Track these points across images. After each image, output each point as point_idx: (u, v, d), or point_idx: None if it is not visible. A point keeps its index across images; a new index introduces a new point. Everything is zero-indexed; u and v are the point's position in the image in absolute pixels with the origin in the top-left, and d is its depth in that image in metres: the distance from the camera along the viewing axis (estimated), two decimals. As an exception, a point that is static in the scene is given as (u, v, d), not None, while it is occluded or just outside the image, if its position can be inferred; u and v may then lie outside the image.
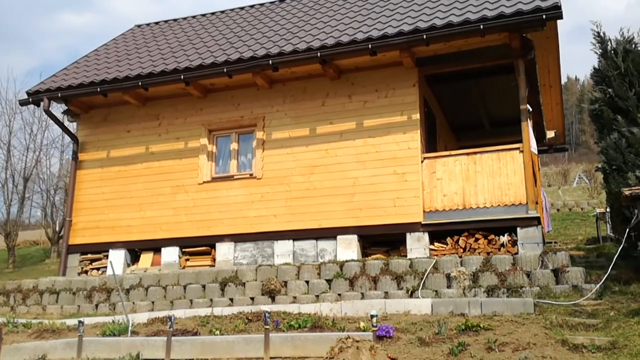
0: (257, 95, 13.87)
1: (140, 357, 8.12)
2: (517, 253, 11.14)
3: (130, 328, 9.53)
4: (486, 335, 7.81)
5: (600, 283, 9.66)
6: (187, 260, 13.69)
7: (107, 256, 14.27)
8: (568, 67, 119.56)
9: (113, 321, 10.18)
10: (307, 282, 11.58)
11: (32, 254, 29.46)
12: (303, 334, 8.26)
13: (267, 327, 8.00)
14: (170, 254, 13.75)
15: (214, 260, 13.46)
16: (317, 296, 11.28)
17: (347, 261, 11.65)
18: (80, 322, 8.86)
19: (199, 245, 13.62)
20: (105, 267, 14.18)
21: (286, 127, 13.49)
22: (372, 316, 7.73)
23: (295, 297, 11.37)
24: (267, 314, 8.07)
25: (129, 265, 14.21)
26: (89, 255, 14.56)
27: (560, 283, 10.08)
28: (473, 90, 14.98)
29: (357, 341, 6.29)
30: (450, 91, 14.76)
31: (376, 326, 7.74)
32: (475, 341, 7.61)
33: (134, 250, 14.29)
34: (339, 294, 11.12)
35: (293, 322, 9.19)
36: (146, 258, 14.13)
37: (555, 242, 16.80)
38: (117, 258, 14.12)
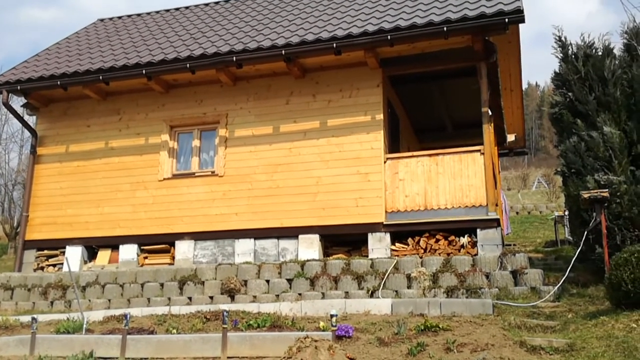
0: (221, 92, 13.74)
1: (93, 355, 7.93)
2: (476, 254, 11.22)
3: (85, 326, 9.33)
4: (445, 335, 7.82)
5: (558, 285, 9.77)
6: (145, 258, 13.48)
7: (64, 252, 13.98)
8: (529, 74, 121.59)
9: (68, 318, 9.94)
10: (267, 281, 11.50)
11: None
12: (261, 334, 8.18)
13: (225, 326, 7.89)
14: (128, 252, 13.53)
15: (173, 258, 13.28)
16: (278, 296, 11.20)
17: (308, 261, 11.60)
18: (33, 318, 8.63)
19: (158, 243, 13.43)
20: (62, 263, 13.90)
21: (250, 125, 13.38)
22: (331, 316, 7.68)
23: (255, 297, 11.28)
24: (225, 313, 7.96)
25: (86, 262, 13.94)
26: (46, 252, 14.24)
27: (518, 285, 10.17)
28: (436, 93, 15.07)
29: (316, 341, 6.24)
30: (413, 93, 14.82)
31: (335, 326, 7.69)
32: (434, 342, 7.62)
33: (92, 247, 14.02)
34: (300, 294, 11.06)
35: (252, 322, 9.10)
36: (104, 255, 13.88)
37: (514, 245, 16.99)
38: (74, 255, 13.83)
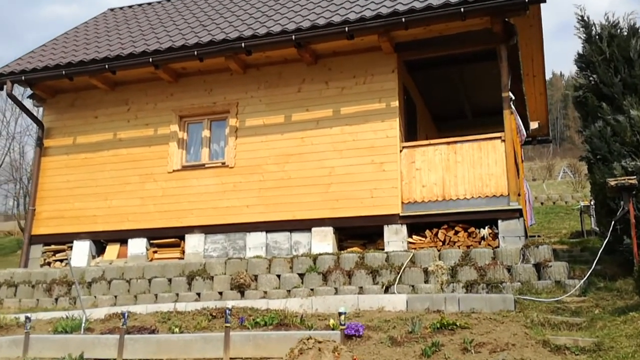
0: (231, 81, 13.27)
1: (83, 357, 7.50)
2: (498, 246, 10.65)
3: (83, 325, 8.93)
4: (462, 334, 7.29)
5: (585, 279, 9.17)
6: (155, 252, 13.08)
7: (71, 247, 13.64)
8: (553, 63, 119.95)
9: (67, 317, 9.56)
10: (278, 276, 11.03)
11: (5, 245, 28.63)
12: (266, 333, 7.71)
13: (228, 325, 7.44)
14: (137, 246, 13.14)
15: (183, 252, 12.87)
16: (289, 291, 10.72)
17: (320, 254, 11.10)
18: (27, 318, 8.26)
19: (167, 237, 13.03)
20: (70, 258, 13.53)
21: (260, 114, 12.90)
22: (340, 314, 7.18)
23: (265, 292, 10.81)
24: (227, 311, 7.50)
25: (94, 257, 13.58)
26: (53, 247, 13.91)
27: (542, 278, 9.58)
28: (454, 78, 14.42)
29: (320, 342, 5.75)
30: (431, 78, 14.20)
31: (344, 325, 7.19)
32: (451, 341, 7.10)
33: (100, 242, 13.65)
34: (312, 289, 10.58)
35: (259, 319, 8.65)
36: (112, 250, 13.51)
37: (538, 236, 16.31)
38: (81, 249, 13.49)
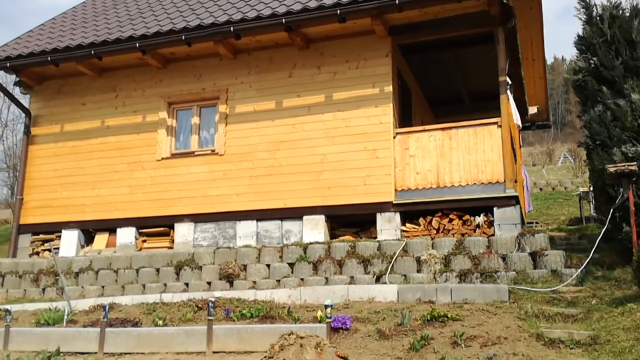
0: (221, 66, 12.94)
1: (60, 352, 7.24)
2: (493, 234, 10.37)
3: (66, 317, 8.70)
4: (453, 326, 7.04)
5: (582, 268, 8.90)
6: (144, 242, 12.80)
7: (59, 237, 13.36)
8: (555, 48, 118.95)
9: (50, 308, 9.31)
10: (268, 265, 10.78)
11: (1, 233, 28.42)
12: (250, 327, 7.46)
13: (211, 318, 7.20)
14: (126, 235, 12.86)
15: (172, 241, 12.57)
16: (279, 281, 10.48)
17: (311, 243, 10.83)
18: (7, 311, 7.99)
19: (156, 226, 12.74)
20: (58, 248, 13.27)
21: (251, 100, 12.58)
22: (326, 306, 6.92)
23: (254, 282, 10.56)
24: (210, 304, 7.26)
25: (83, 247, 13.31)
26: (41, 236, 13.63)
27: (538, 267, 9.31)
28: (451, 62, 14.05)
29: (302, 337, 5.47)
30: (426, 63, 13.85)
31: (330, 317, 6.94)
32: (441, 334, 6.84)
33: (88, 231, 13.38)
34: (302, 279, 10.32)
35: (245, 311, 8.42)
36: (101, 239, 13.24)
37: (536, 223, 16.10)
38: (70, 239, 13.22)
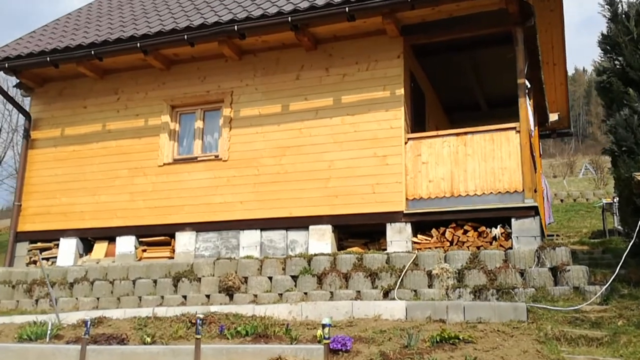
0: (225, 68, 12.39)
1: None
2: (510, 247, 9.68)
3: (49, 333, 8.11)
4: (465, 350, 6.37)
5: (607, 285, 8.18)
6: (144, 251, 12.24)
7: (57, 245, 12.85)
8: (576, 59, 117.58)
9: (35, 322, 8.75)
10: (270, 278, 10.16)
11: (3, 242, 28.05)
12: (241, 346, 6.84)
13: (199, 336, 6.58)
14: (125, 244, 12.31)
15: (173, 251, 12.00)
16: (281, 295, 9.85)
17: (315, 255, 10.20)
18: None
19: (157, 235, 12.18)
20: (56, 257, 12.77)
21: (256, 103, 12.01)
22: (324, 326, 6.27)
23: (255, 296, 9.95)
24: (199, 321, 6.63)
25: (81, 256, 12.77)
26: (39, 244, 13.10)
27: (559, 284, 8.60)
28: (466, 65, 13.37)
29: (290, 363, 4.83)
30: (441, 65, 13.17)
31: (329, 338, 6.29)
32: (451, 358, 6.16)
33: (87, 239, 12.85)
34: (305, 293, 9.69)
35: (240, 328, 7.80)
36: (100, 248, 12.70)
37: (557, 235, 15.35)
38: (68, 247, 12.69)
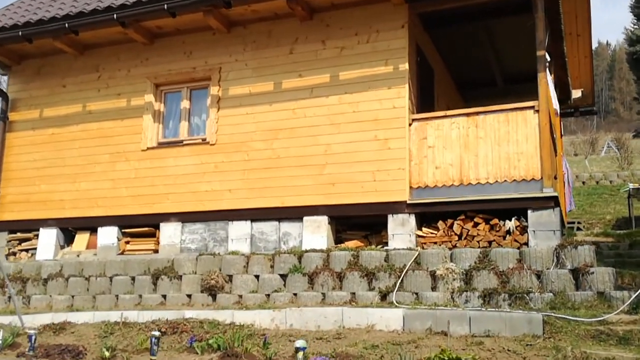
0: (213, 42, 11.28)
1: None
2: (526, 243, 8.56)
3: (0, 343, 7.14)
4: (468, 378, 5.28)
5: (638, 293, 7.02)
6: (127, 242, 11.26)
7: (37, 236, 11.92)
8: (599, 33, 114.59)
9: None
10: (257, 276, 9.17)
11: None
12: (200, 371, 5.80)
13: (153, 358, 5.55)
14: (107, 235, 11.35)
15: (158, 243, 11.03)
16: (268, 295, 8.86)
17: (307, 251, 9.17)
18: None
19: (141, 225, 11.19)
20: (36, 248, 11.85)
21: (246, 80, 10.90)
22: (297, 349, 5.23)
23: (240, 296, 8.97)
24: (153, 339, 5.61)
25: (62, 248, 11.84)
26: (19, 234, 12.21)
27: (581, 288, 7.49)
28: (481, 35, 12.04)
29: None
30: (452, 37, 11.88)
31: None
32: (450, 390, 5.09)
33: (69, 230, 11.91)
34: (295, 294, 8.70)
35: (212, 341, 6.81)
36: (81, 239, 11.76)
37: (578, 223, 14.17)
38: (48, 238, 11.76)
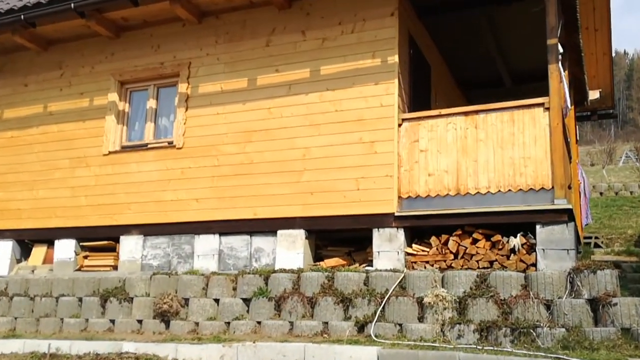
0: (183, 34, 10.10)
1: None
2: (535, 264, 7.20)
3: None
4: None
5: (672, 331, 5.66)
6: (85, 257, 10.06)
7: (-6, 248, 10.76)
8: (617, 41, 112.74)
9: None
10: (217, 300, 7.88)
11: None
12: None
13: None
14: (65, 249, 10.17)
15: (118, 258, 9.81)
16: (228, 324, 7.60)
17: (274, 271, 7.90)
18: None
19: (101, 238, 10.04)
20: (-8, 262, 10.68)
21: (218, 76, 9.70)
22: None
23: (197, 324, 7.72)
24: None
25: (18, 262, 10.69)
26: (-26, 247, 11.05)
27: (600, 322, 6.13)
28: (483, 26, 10.67)
29: None
30: (451, 28, 10.56)
31: None
32: None
33: (25, 242, 10.73)
34: (259, 322, 7.42)
35: (139, 387, 5.47)
36: (38, 252, 10.62)
37: (596, 238, 12.73)
38: (3, 251, 10.64)
